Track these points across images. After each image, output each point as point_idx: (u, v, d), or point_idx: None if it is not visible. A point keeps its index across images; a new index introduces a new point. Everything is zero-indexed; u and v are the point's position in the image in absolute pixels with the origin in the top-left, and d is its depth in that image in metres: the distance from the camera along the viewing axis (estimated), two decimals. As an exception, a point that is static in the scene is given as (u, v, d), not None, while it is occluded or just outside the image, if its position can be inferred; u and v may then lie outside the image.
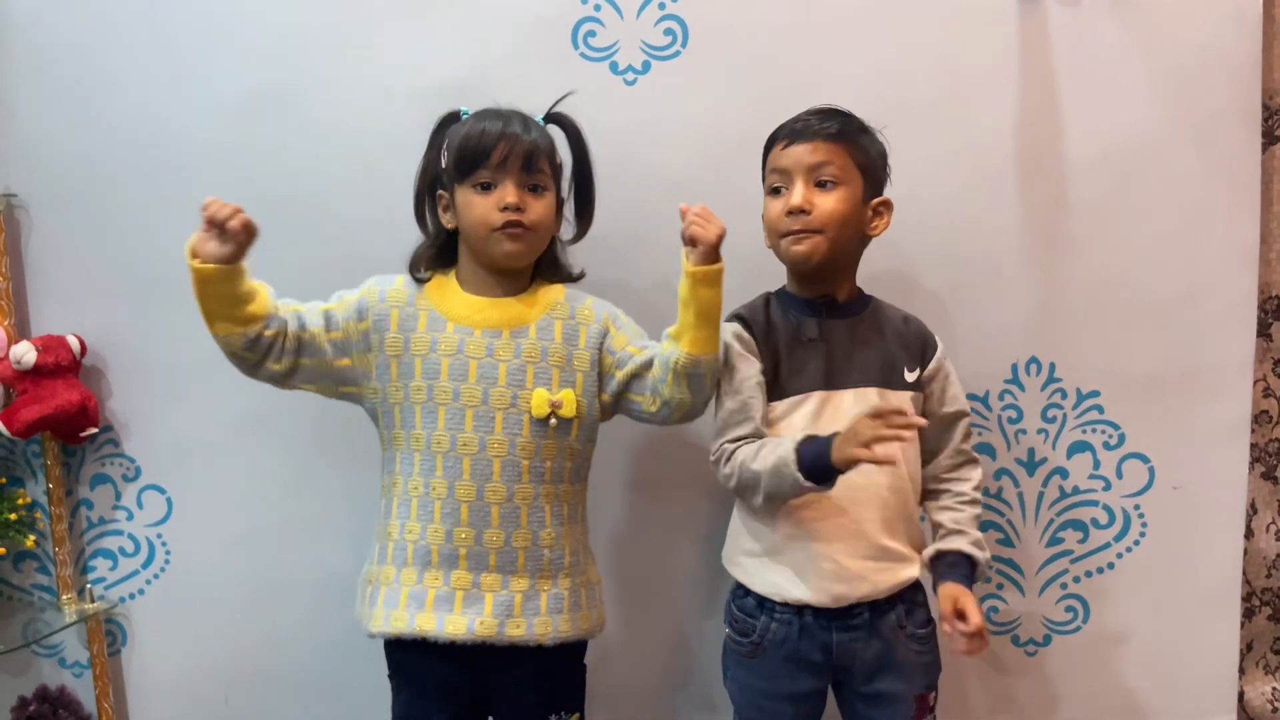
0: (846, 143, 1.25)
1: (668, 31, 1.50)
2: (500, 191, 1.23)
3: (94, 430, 1.58)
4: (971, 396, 1.46)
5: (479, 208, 1.23)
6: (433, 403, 1.23)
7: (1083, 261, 1.51)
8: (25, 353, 1.53)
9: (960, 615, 1.18)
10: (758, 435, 1.24)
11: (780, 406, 1.26)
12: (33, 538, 1.62)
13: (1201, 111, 1.48)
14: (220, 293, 1.17)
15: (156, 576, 1.64)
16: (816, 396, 1.25)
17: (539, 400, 1.24)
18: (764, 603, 1.27)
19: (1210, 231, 1.50)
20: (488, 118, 1.25)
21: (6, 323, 1.58)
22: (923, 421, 1.19)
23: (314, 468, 1.59)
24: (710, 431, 1.30)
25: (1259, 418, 1.58)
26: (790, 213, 1.24)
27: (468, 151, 1.23)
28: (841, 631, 1.25)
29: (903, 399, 1.27)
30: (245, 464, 1.60)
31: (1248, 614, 1.62)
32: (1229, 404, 1.53)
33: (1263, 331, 1.56)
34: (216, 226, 1.14)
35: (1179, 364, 1.52)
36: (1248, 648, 1.64)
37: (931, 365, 1.31)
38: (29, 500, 1.62)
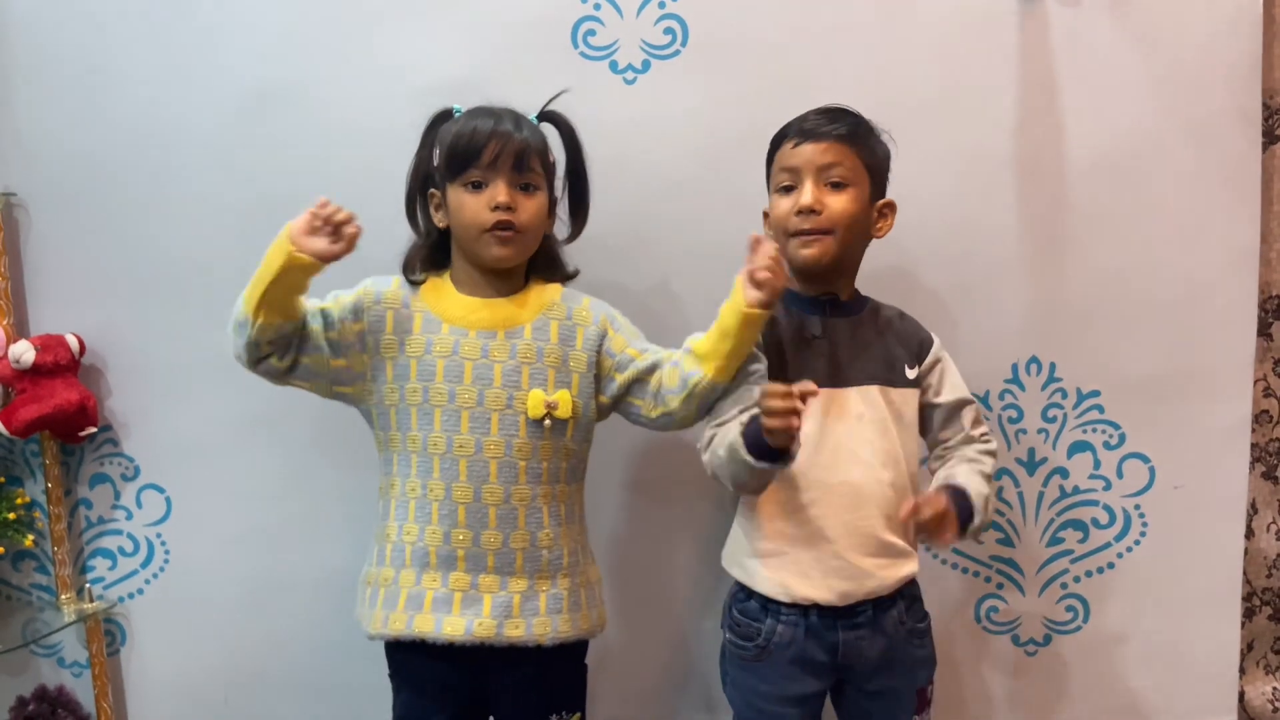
0: (856, 144, 1.25)
1: (667, 31, 1.50)
2: (491, 191, 1.22)
3: (93, 429, 1.58)
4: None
5: (470, 207, 1.23)
6: (428, 404, 1.23)
7: (1083, 261, 1.51)
8: (24, 352, 1.53)
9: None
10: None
11: None
12: (31, 537, 1.62)
13: (1202, 111, 1.48)
14: (294, 284, 1.18)
15: (155, 576, 1.64)
16: (822, 395, 1.25)
17: (535, 401, 1.23)
18: (768, 605, 1.26)
19: (1211, 231, 1.50)
20: (479, 116, 1.25)
21: (5, 322, 1.58)
22: (813, 386, 1.11)
23: (313, 467, 1.58)
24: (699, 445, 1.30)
25: (1259, 417, 1.58)
26: (800, 212, 1.24)
27: (459, 150, 1.23)
28: (847, 630, 1.25)
29: (905, 396, 1.28)
30: (245, 463, 1.60)
31: (1248, 614, 1.62)
32: (1229, 404, 1.53)
33: (1263, 331, 1.56)
34: (331, 226, 1.14)
35: (1179, 363, 1.52)
36: (1248, 647, 1.64)
37: (927, 360, 1.31)
38: (28, 499, 1.62)
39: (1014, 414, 1.54)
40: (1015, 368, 1.53)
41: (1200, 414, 1.53)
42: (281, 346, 1.22)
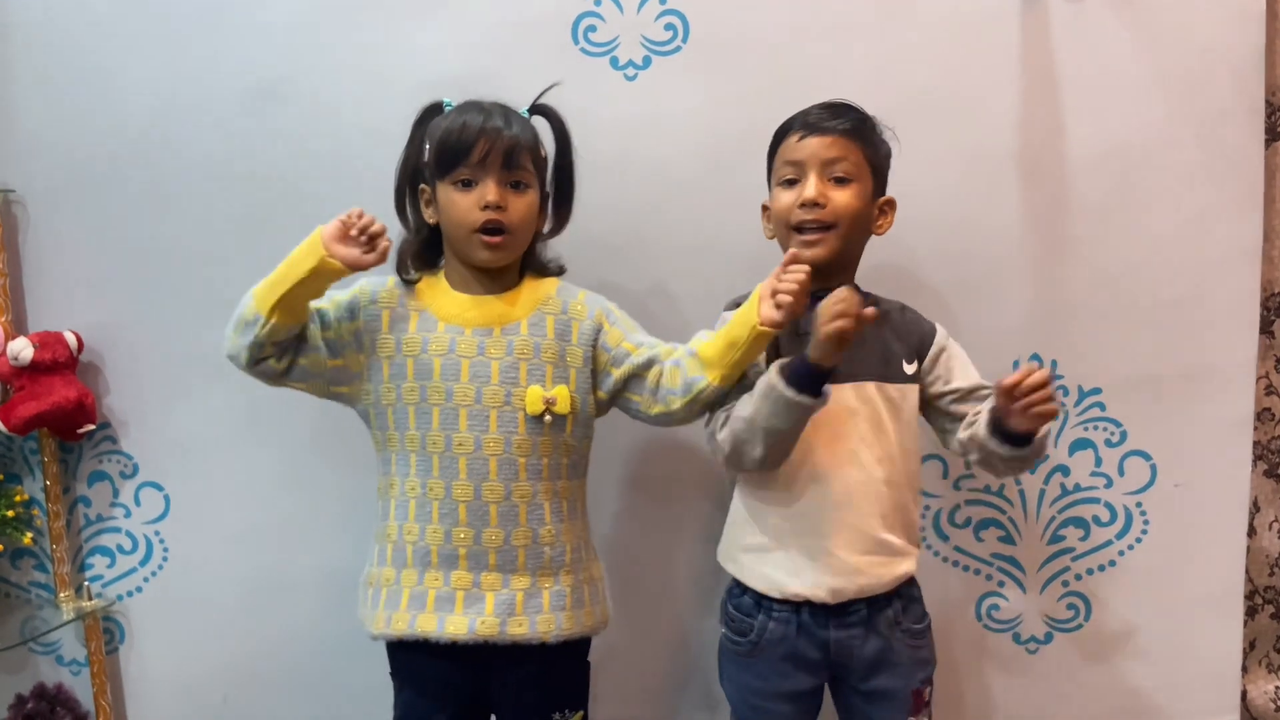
0: (861, 139, 1.24)
1: (668, 26, 1.49)
2: (481, 190, 1.21)
3: (91, 427, 1.58)
4: (973, 394, 1.46)
5: (460, 206, 1.22)
6: (426, 403, 1.23)
7: (1085, 259, 1.50)
8: (22, 349, 1.52)
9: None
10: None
11: None
12: (30, 535, 1.61)
13: (1205, 108, 1.47)
14: (316, 289, 1.18)
15: (154, 574, 1.64)
16: None
17: (533, 397, 1.23)
18: (761, 601, 1.27)
19: (1213, 228, 1.49)
20: (469, 111, 1.23)
21: (4, 319, 1.58)
22: (872, 312, 1.14)
23: (312, 465, 1.58)
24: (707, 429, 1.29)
25: (1261, 415, 1.58)
26: (804, 205, 1.23)
27: (448, 147, 1.22)
28: (839, 629, 1.24)
29: (903, 392, 1.27)
30: (243, 461, 1.59)
31: (1250, 612, 1.62)
32: (1231, 401, 1.53)
33: (1265, 329, 1.56)
34: (367, 236, 1.14)
35: (1181, 361, 1.51)
36: (1250, 646, 1.63)
37: (931, 352, 1.30)
38: (26, 497, 1.62)
39: (1015, 412, 1.54)
40: (1016, 365, 1.53)
41: (1202, 412, 1.52)
42: (282, 348, 1.21)
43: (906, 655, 1.27)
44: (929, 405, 1.31)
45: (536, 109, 1.30)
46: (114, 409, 1.61)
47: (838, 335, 1.12)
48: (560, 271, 1.33)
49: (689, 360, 1.23)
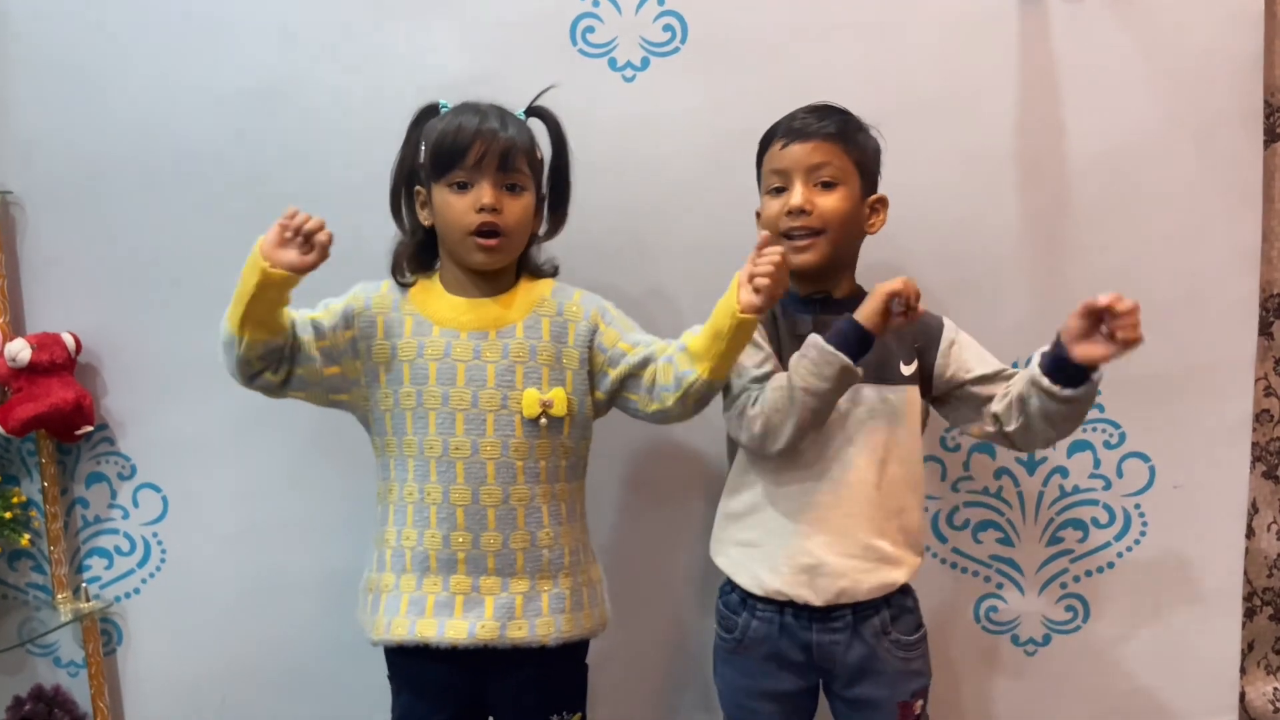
0: (845, 142, 1.24)
1: (667, 28, 1.49)
2: (476, 192, 1.21)
3: (89, 428, 1.58)
4: (972, 395, 1.45)
5: (455, 208, 1.21)
6: (423, 408, 1.22)
7: (1083, 260, 1.50)
8: (20, 350, 1.52)
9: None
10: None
11: None
12: (28, 536, 1.61)
13: (1203, 109, 1.47)
14: (273, 299, 1.15)
15: (152, 575, 1.64)
16: None
17: (530, 400, 1.22)
18: (746, 599, 1.27)
19: (1212, 230, 1.49)
20: (465, 113, 1.23)
21: (2, 320, 1.57)
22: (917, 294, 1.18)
23: (311, 466, 1.58)
24: (708, 428, 1.28)
25: (1260, 416, 1.58)
26: (790, 212, 1.23)
27: (444, 150, 1.21)
28: (822, 632, 1.24)
29: (901, 394, 1.26)
30: (241, 462, 1.59)
31: (1249, 614, 1.62)
32: (1230, 403, 1.53)
33: (1264, 330, 1.56)
34: (301, 236, 1.11)
35: (1180, 362, 1.51)
36: (1249, 648, 1.63)
37: (942, 346, 1.28)
38: (24, 498, 1.62)
39: (1014, 413, 1.53)
40: (1016, 366, 1.52)
41: (1201, 413, 1.52)
42: (274, 360, 1.20)
43: (894, 666, 1.25)
44: (952, 396, 1.29)
45: (533, 111, 1.29)
46: (112, 410, 1.61)
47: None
48: (555, 272, 1.33)
49: (679, 355, 1.22)
